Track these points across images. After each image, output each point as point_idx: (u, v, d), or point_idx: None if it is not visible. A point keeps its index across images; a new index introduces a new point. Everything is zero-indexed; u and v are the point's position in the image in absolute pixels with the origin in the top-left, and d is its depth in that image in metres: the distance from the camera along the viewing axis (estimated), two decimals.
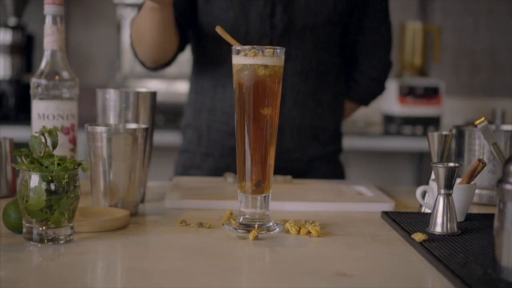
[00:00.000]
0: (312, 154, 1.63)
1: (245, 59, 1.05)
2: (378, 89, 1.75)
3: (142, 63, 1.64)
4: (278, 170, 1.52)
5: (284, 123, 1.57)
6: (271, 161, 1.08)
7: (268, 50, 1.05)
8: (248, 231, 1.03)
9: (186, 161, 1.67)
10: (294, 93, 1.57)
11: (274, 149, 1.09)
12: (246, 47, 1.06)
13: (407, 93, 3.00)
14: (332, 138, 1.67)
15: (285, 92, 1.56)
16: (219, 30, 1.15)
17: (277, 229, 1.07)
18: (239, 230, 1.05)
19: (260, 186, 1.07)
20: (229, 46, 1.11)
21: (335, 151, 1.70)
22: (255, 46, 1.05)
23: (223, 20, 1.54)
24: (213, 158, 1.62)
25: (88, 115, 1.79)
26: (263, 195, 1.08)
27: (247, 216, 1.07)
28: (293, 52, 1.55)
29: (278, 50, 1.06)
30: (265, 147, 1.07)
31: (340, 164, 1.73)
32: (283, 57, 1.08)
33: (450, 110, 3.34)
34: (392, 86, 2.99)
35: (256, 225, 1.06)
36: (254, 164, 1.07)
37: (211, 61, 1.60)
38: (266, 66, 1.05)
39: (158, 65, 1.63)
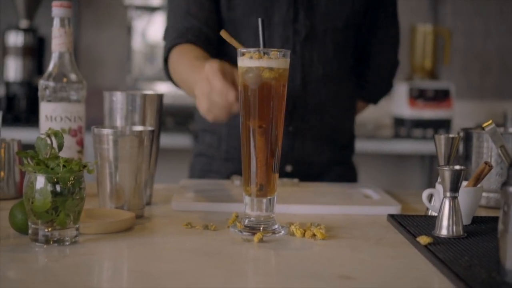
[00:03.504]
0: (330, 157, 1.63)
1: (250, 62, 1.05)
2: (387, 87, 1.79)
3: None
4: (295, 174, 1.52)
5: (305, 128, 1.57)
6: (276, 164, 1.08)
7: (274, 52, 1.05)
8: (253, 234, 1.03)
9: (204, 165, 1.67)
10: (316, 98, 1.58)
11: (280, 152, 1.09)
12: (252, 49, 1.06)
13: (418, 96, 2.99)
14: (348, 141, 1.69)
15: (307, 96, 1.56)
16: (223, 34, 1.14)
17: (282, 232, 1.07)
18: (244, 233, 1.05)
19: (264, 190, 1.07)
20: None
21: (349, 153, 1.71)
22: (259, 49, 1.05)
23: (246, 25, 1.54)
24: (233, 162, 1.62)
25: (98, 117, 1.79)
26: (268, 197, 1.08)
27: (252, 218, 1.07)
28: (315, 57, 1.56)
29: (283, 53, 1.06)
30: (271, 150, 1.07)
31: (354, 166, 1.73)
32: (288, 60, 1.07)
33: (461, 113, 3.31)
34: (402, 89, 2.97)
35: (261, 228, 1.06)
36: (259, 167, 1.07)
37: (233, 66, 1.60)
38: (271, 69, 1.05)
39: None
